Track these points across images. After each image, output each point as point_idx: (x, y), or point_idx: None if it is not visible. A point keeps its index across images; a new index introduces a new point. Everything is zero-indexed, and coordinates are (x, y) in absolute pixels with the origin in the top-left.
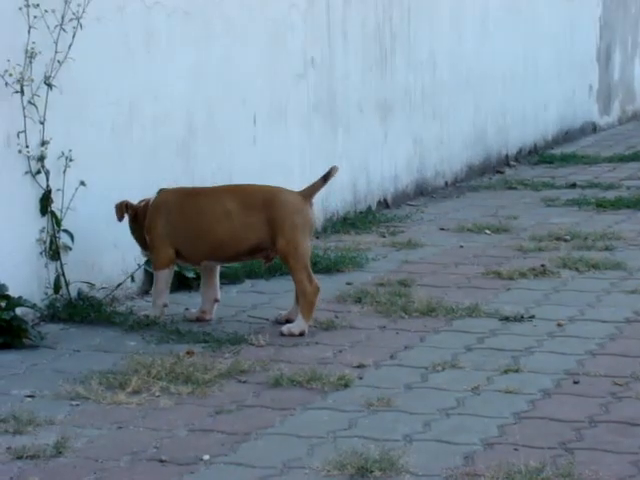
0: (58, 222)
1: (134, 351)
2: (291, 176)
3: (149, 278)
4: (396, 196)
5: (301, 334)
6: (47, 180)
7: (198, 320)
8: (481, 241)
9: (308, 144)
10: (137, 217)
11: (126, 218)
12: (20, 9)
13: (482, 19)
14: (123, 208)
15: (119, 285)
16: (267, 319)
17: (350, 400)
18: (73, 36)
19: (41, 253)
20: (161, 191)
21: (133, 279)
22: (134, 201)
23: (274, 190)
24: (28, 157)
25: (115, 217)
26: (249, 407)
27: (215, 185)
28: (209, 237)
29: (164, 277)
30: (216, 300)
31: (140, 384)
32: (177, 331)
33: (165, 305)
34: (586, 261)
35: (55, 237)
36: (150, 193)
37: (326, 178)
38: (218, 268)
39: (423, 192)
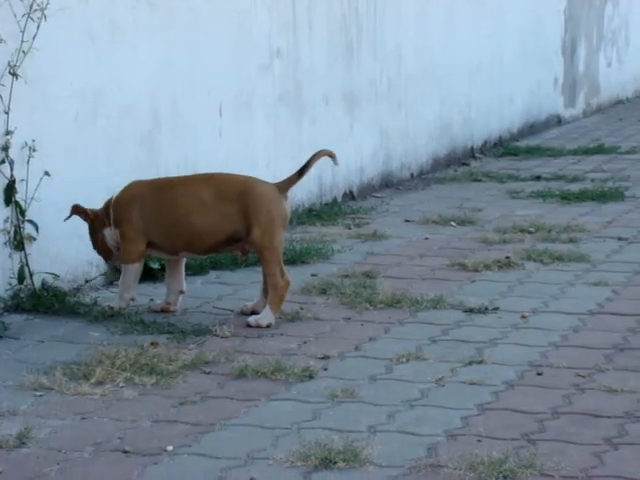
0: (22, 212)
1: (98, 342)
2: (256, 167)
3: (113, 269)
4: (362, 188)
5: (268, 326)
6: (11, 170)
7: (163, 311)
8: (446, 233)
9: (273, 135)
10: (97, 221)
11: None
12: None
13: (448, 11)
14: (72, 210)
15: (88, 281)
16: (232, 310)
17: (314, 391)
18: (38, 26)
19: (5, 243)
20: (130, 185)
21: (105, 274)
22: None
23: (250, 180)
24: None
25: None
26: (213, 398)
27: (190, 174)
28: (185, 228)
29: (133, 271)
30: (181, 292)
31: (104, 375)
32: (141, 322)
33: (132, 299)
34: (550, 253)
35: (19, 227)
36: (114, 184)
37: (302, 172)
38: (184, 260)
39: (388, 184)
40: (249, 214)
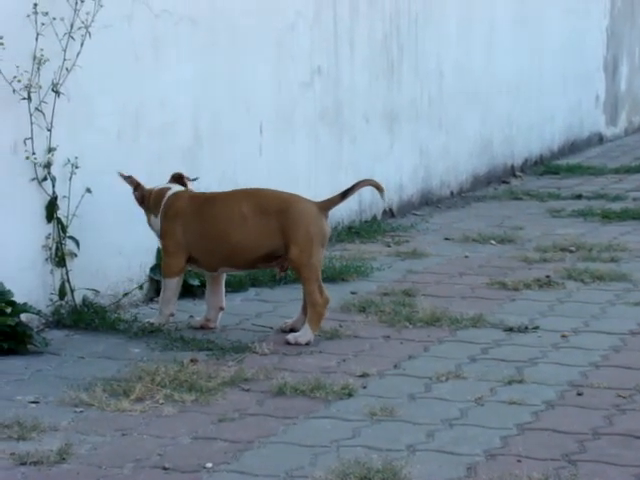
0: (64, 229)
1: (138, 358)
2: (296, 185)
3: (154, 286)
4: (401, 205)
5: (307, 344)
6: (53, 187)
7: (202, 328)
8: (486, 251)
9: (314, 153)
10: (143, 202)
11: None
12: (28, 16)
13: (489, 29)
14: (131, 180)
15: (126, 294)
16: (271, 327)
17: (353, 409)
18: (81, 44)
19: (47, 259)
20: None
21: (141, 288)
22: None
23: (290, 198)
24: (35, 164)
25: (121, 224)
26: (252, 415)
27: (233, 190)
28: (224, 243)
29: (173, 285)
30: (221, 308)
31: (144, 391)
32: (181, 339)
33: (172, 314)
34: (591, 272)
35: (61, 244)
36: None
37: (345, 195)
38: (224, 276)
39: (428, 202)
40: (288, 231)
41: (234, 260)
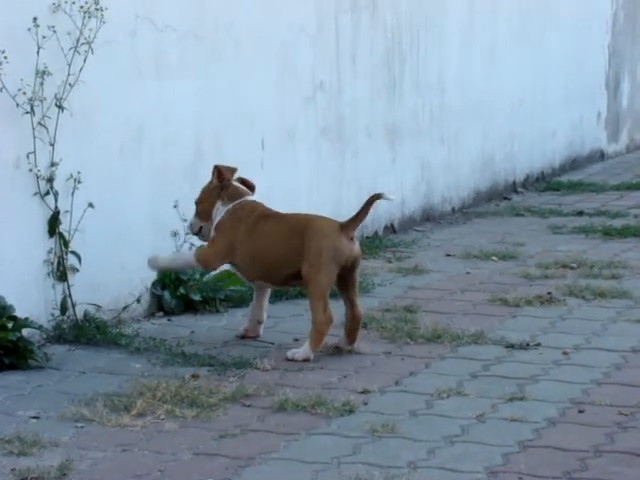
0: (66, 243)
1: (139, 373)
2: (298, 200)
3: (155, 300)
4: (403, 221)
5: (305, 360)
6: (56, 201)
7: (243, 337)
8: (487, 268)
9: (316, 168)
10: (221, 181)
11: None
12: (29, 30)
13: (491, 45)
14: (217, 171)
15: (126, 307)
16: (272, 343)
17: (354, 426)
18: (84, 59)
19: (48, 274)
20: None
21: (139, 301)
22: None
23: (311, 218)
24: (37, 178)
25: (122, 239)
26: (253, 431)
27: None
28: (261, 259)
29: (186, 265)
30: (259, 322)
31: (145, 407)
32: (182, 354)
33: (162, 268)
34: (592, 289)
35: (63, 258)
36: (159, 215)
37: (366, 209)
38: (267, 294)
39: (430, 218)
40: (305, 249)
41: (269, 276)
